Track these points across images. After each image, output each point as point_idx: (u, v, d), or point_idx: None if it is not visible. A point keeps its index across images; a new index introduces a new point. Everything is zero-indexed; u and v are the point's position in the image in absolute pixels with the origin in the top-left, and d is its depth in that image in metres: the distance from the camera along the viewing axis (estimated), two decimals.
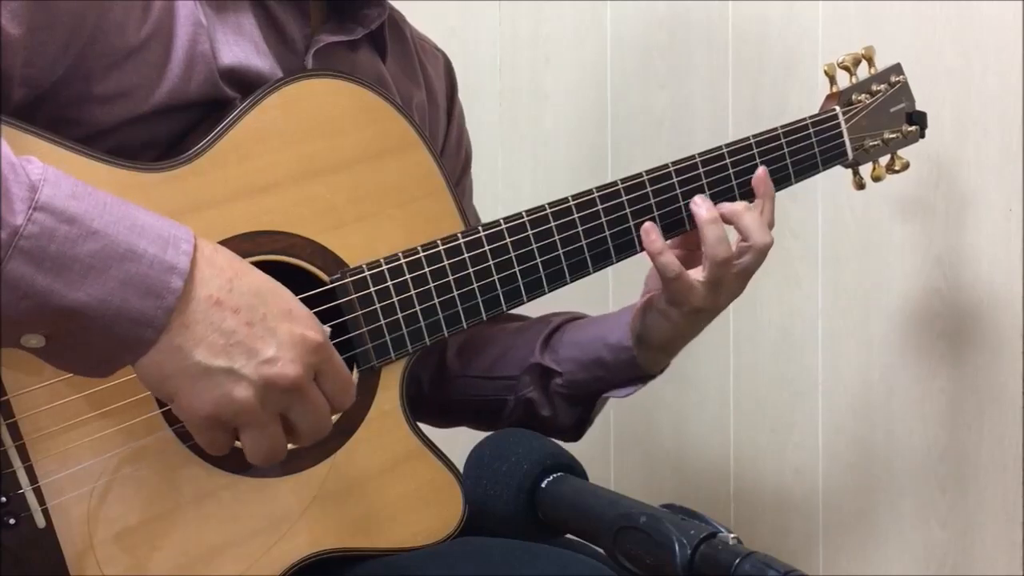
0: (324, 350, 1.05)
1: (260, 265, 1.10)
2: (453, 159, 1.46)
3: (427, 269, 1.20)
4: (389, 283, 1.18)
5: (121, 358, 0.99)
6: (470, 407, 1.47)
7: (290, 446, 1.11)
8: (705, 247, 1.29)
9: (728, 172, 1.36)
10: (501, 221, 1.25)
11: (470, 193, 1.51)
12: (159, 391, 1.01)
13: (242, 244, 1.11)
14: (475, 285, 1.23)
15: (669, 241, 1.31)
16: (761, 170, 1.36)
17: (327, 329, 1.07)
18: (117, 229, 0.96)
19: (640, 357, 1.36)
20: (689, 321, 1.32)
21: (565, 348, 1.40)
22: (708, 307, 1.31)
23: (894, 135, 1.49)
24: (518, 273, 1.25)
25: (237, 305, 1.01)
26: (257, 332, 1.01)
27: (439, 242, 1.21)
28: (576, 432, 1.45)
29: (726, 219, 1.32)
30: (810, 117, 1.42)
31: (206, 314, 0.99)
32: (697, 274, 1.30)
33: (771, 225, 1.34)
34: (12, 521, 1.01)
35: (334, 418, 1.16)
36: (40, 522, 1.02)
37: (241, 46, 1.17)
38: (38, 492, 1.02)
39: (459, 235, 1.22)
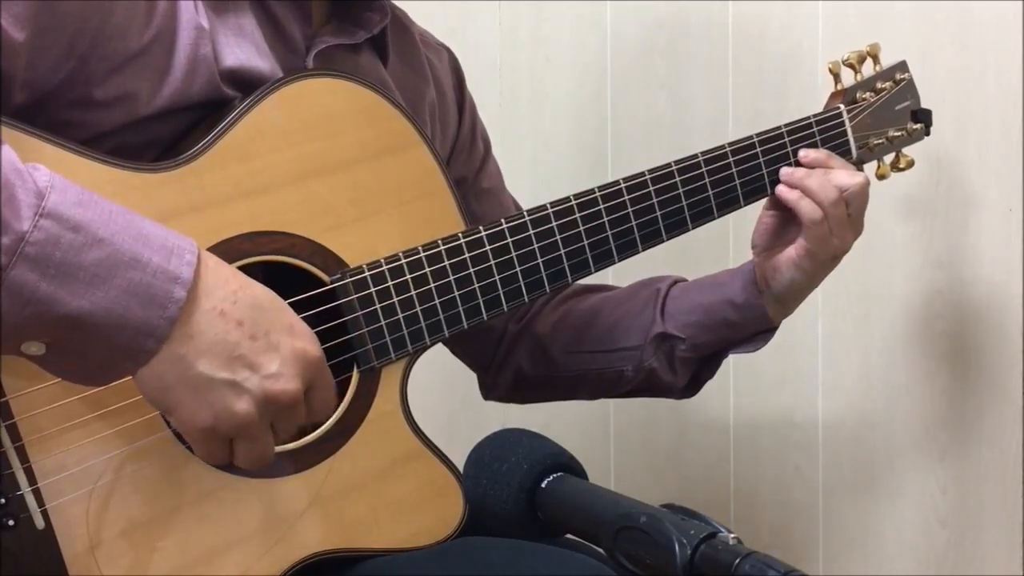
0: (321, 365, 1.06)
1: (260, 265, 1.11)
2: (469, 150, 1.46)
3: (428, 269, 1.20)
4: (389, 283, 1.18)
5: (122, 367, 0.98)
6: (584, 381, 1.48)
7: (289, 447, 1.12)
8: (817, 198, 1.35)
9: (731, 171, 1.36)
10: (502, 221, 1.24)
11: (499, 176, 1.52)
12: (159, 402, 1.01)
13: (242, 244, 1.11)
14: (476, 285, 1.23)
15: (764, 229, 1.40)
16: (801, 153, 1.39)
17: None
18: (122, 238, 0.96)
19: (771, 311, 1.40)
20: (821, 269, 1.38)
21: (685, 313, 1.43)
22: (839, 252, 1.37)
23: (899, 133, 1.49)
24: (519, 273, 1.25)
25: (241, 318, 1.01)
26: (260, 346, 1.01)
27: (440, 242, 1.21)
28: (691, 390, 1.49)
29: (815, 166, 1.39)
30: (814, 115, 1.42)
31: (210, 325, 0.99)
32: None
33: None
34: (11, 522, 1.01)
35: (334, 418, 1.16)
36: (39, 523, 1.02)
37: (242, 47, 1.16)
38: (37, 493, 1.02)
39: (460, 235, 1.22)
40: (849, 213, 1.36)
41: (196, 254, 1.00)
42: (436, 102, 1.41)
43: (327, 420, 1.11)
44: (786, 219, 1.38)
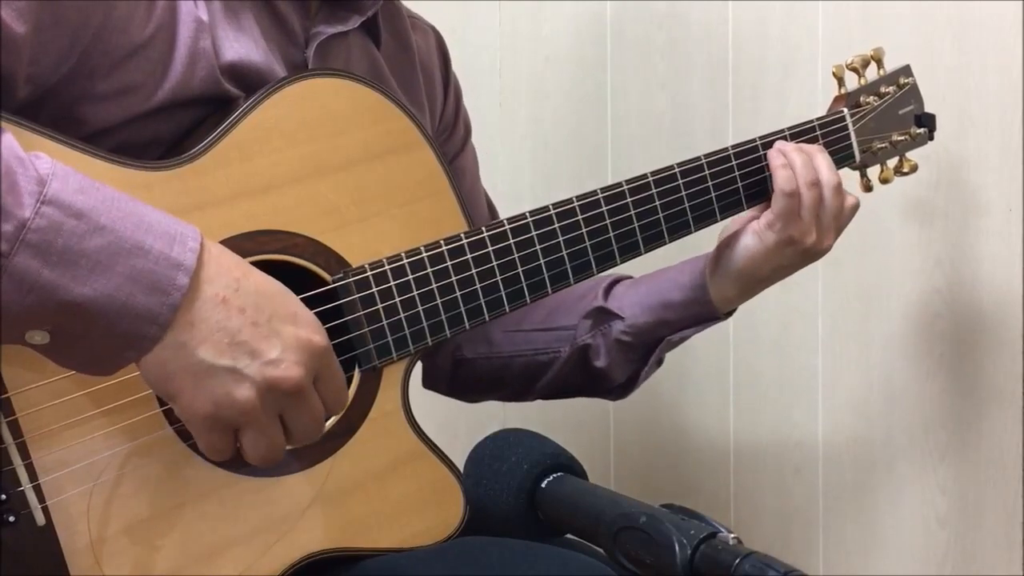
0: (326, 354, 1.06)
1: (261, 264, 1.11)
2: (451, 130, 1.46)
3: (430, 269, 1.20)
4: (391, 283, 1.18)
5: (125, 355, 0.99)
6: (518, 362, 1.45)
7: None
8: (796, 173, 1.34)
9: (734, 174, 1.36)
10: (505, 222, 1.24)
11: (476, 164, 1.51)
12: (161, 390, 1.01)
13: (244, 243, 1.11)
14: (479, 286, 1.23)
15: (751, 210, 1.38)
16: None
17: None
18: (124, 225, 0.96)
19: (714, 290, 1.37)
20: (776, 250, 1.34)
21: (629, 294, 1.41)
22: (800, 239, 1.34)
23: (902, 137, 1.49)
24: (522, 274, 1.25)
25: (243, 305, 1.01)
26: (262, 332, 1.01)
27: (442, 242, 1.21)
28: (624, 391, 1.45)
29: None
30: (817, 119, 1.42)
31: (212, 312, 0.99)
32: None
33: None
34: (12, 519, 1.01)
35: (336, 417, 1.16)
36: (40, 520, 1.02)
37: (241, 42, 1.17)
38: (38, 490, 1.02)
39: (462, 235, 1.22)
40: (822, 200, 1.34)
41: (199, 241, 1.00)
42: (423, 83, 1.41)
43: (341, 410, 1.11)
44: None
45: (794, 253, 1.35)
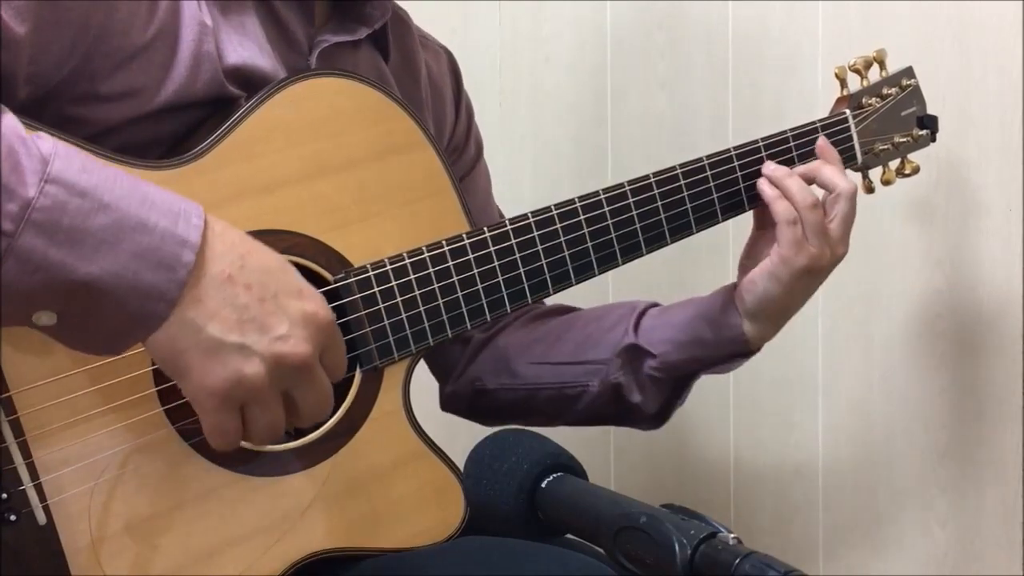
0: (331, 328, 1.06)
1: None
2: (462, 150, 1.46)
3: (431, 269, 1.20)
4: (393, 283, 1.18)
5: (134, 333, 0.98)
6: (545, 394, 1.45)
7: (291, 445, 1.12)
8: (794, 200, 1.32)
9: (736, 175, 1.35)
10: (507, 222, 1.25)
11: (488, 182, 1.51)
12: (171, 368, 1.01)
13: None
14: (480, 286, 1.23)
15: (756, 232, 1.38)
16: (821, 139, 1.39)
17: None
18: (128, 202, 0.96)
19: (748, 330, 1.37)
20: (796, 281, 1.33)
21: (660, 329, 1.40)
22: (815, 264, 1.32)
23: (904, 139, 1.49)
24: (523, 274, 1.25)
25: (249, 281, 1.00)
26: (269, 308, 1.01)
27: (444, 242, 1.21)
28: (658, 420, 1.45)
29: (805, 177, 1.35)
30: (819, 120, 1.42)
31: (219, 289, 0.99)
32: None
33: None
34: (13, 518, 1.01)
35: (337, 416, 1.16)
36: (41, 519, 1.02)
37: (245, 46, 1.17)
38: (39, 489, 1.02)
39: (464, 235, 1.22)
40: (830, 220, 1.33)
41: (203, 217, 0.99)
42: (431, 104, 1.41)
43: (340, 379, 1.11)
44: (772, 236, 1.35)
45: (814, 278, 1.35)
